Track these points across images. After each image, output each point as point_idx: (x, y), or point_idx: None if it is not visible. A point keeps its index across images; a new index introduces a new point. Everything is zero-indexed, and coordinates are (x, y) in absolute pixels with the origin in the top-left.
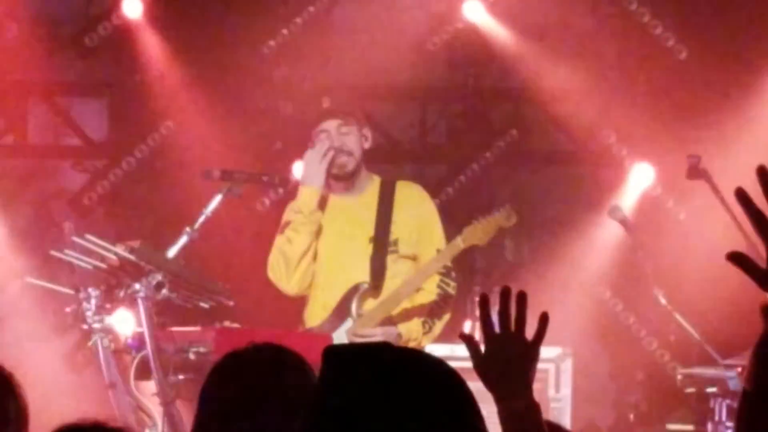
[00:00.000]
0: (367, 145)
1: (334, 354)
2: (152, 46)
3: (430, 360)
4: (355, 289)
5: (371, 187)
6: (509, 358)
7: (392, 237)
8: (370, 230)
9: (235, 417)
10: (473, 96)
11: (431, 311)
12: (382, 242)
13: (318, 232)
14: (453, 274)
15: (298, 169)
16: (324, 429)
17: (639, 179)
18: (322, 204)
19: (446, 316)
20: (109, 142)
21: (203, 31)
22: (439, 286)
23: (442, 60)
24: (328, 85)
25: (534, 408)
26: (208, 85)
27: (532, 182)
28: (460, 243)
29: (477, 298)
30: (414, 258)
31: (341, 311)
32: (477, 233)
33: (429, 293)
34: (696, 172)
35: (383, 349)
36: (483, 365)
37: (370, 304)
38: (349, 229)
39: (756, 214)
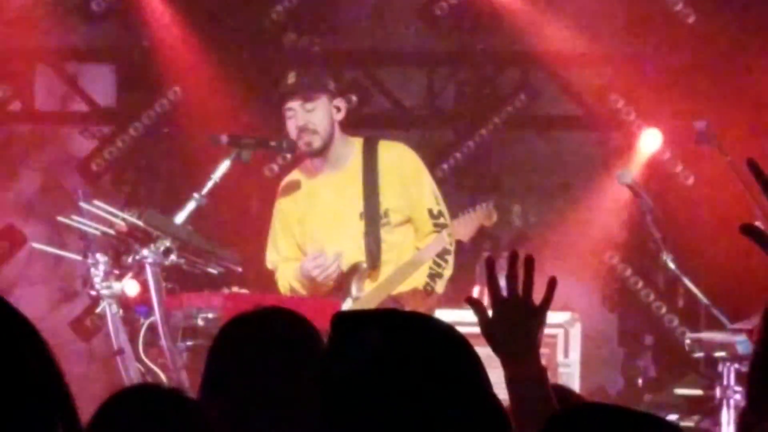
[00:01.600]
0: (339, 116)
1: (344, 319)
2: (160, 11)
3: (438, 325)
4: (354, 269)
5: (353, 156)
6: (516, 323)
7: (382, 208)
8: (359, 206)
9: (242, 381)
10: (481, 61)
11: (431, 276)
12: (373, 216)
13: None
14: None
15: None
16: (334, 393)
17: (647, 144)
18: (307, 185)
19: (447, 272)
20: (117, 107)
21: None
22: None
23: (449, 25)
24: (335, 51)
25: (540, 372)
26: (216, 50)
27: (540, 147)
28: (446, 237)
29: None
30: (408, 221)
31: (340, 291)
32: (460, 230)
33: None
34: (704, 136)
35: (392, 314)
36: (490, 329)
37: (368, 284)
38: (338, 208)
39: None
